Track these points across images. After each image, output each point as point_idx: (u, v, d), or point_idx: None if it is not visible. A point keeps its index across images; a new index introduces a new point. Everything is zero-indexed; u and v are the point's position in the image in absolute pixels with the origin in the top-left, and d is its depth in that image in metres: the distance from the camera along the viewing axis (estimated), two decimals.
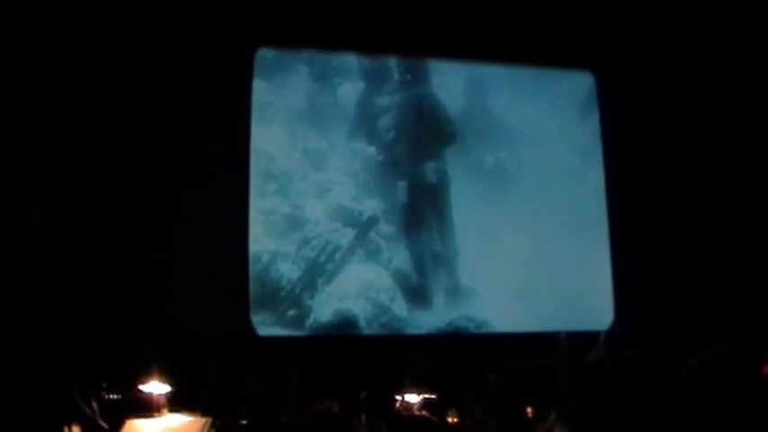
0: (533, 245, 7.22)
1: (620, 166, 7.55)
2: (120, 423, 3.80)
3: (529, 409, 4.86)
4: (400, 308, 6.90)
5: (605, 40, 7.44)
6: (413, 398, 5.06)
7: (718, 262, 7.14)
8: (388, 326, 6.84)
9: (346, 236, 6.90)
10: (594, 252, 7.42)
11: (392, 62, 7.44)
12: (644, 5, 7.32)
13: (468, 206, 7.25)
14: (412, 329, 6.89)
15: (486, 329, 7.02)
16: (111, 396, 4.71)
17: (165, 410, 4.03)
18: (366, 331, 6.77)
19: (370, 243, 6.96)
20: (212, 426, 3.82)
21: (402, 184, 7.19)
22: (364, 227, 6.95)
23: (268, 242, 6.73)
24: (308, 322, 6.70)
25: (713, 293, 6.94)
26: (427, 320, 6.98)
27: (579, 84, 7.70)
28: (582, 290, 7.23)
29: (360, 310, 6.79)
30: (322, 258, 6.80)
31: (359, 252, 6.92)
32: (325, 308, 6.73)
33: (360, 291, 6.83)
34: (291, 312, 6.68)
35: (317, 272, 6.78)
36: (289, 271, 6.71)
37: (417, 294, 6.99)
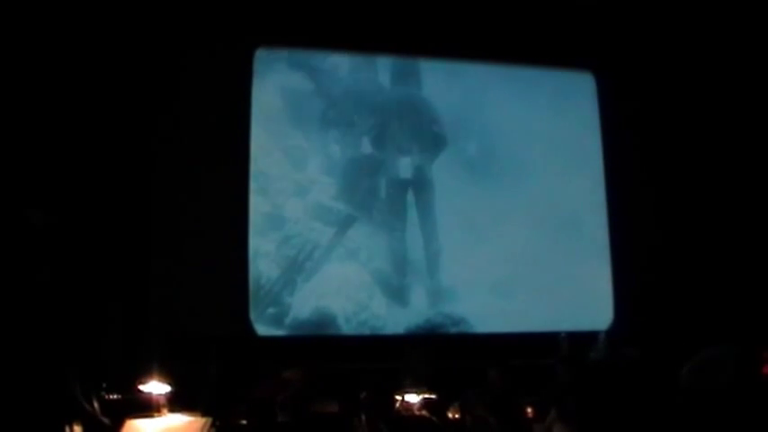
0: (531, 245, 7.23)
1: (619, 166, 7.55)
2: (120, 423, 3.80)
3: (529, 409, 4.87)
4: (379, 305, 6.92)
5: (605, 40, 7.44)
6: (413, 398, 5.06)
7: (718, 261, 7.14)
8: (366, 323, 6.86)
9: (326, 234, 6.92)
10: (594, 252, 7.42)
11: (380, 61, 7.42)
12: (644, 5, 7.31)
13: (458, 205, 7.24)
14: (390, 327, 6.91)
15: (463, 327, 7.01)
16: (111, 396, 4.70)
17: (165, 410, 4.03)
18: (345, 329, 6.79)
19: (350, 241, 6.97)
20: (212, 426, 3.82)
21: (382, 183, 7.20)
22: (343, 225, 6.97)
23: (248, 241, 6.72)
24: (288, 320, 6.72)
25: (713, 293, 6.94)
26: (406, 318, 6.98)
27: (579, 84, 7.70)
28: (581, 290, 7.24)
29: (338, 307, 6.81)
30: (301, 257, 6.82)
31: (338, 250, 6.93)
32: (304, 306, 6.75)
33: (339, 288, 6.85)
34: (271, 310, 6.70)
35: (296, 270, 6.79)
36: (268, 269, 6.73)
37: (396, 292, 7.00)
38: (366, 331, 6.86)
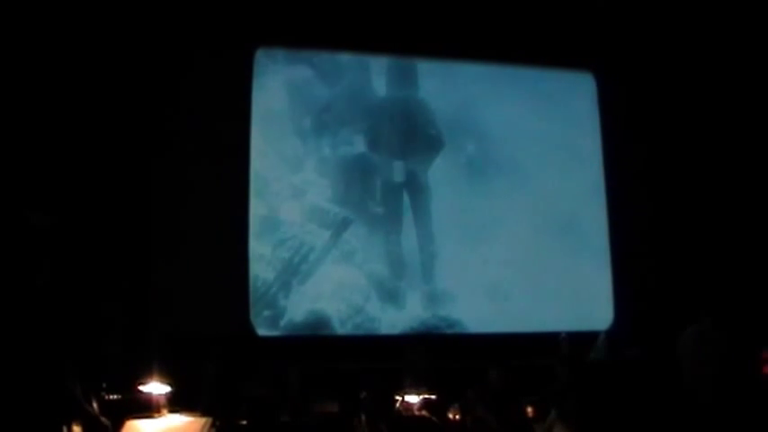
0: (530, 246, 7.23)
1: (619, 166, 7.55)
2: (120, 423, 3.80)
3: (529, 409, 4.88)
4: (374, 308, 6.91)
5: (605, 40, 7.44)
6: (413, 398, 5.06)
7: (719, 261, 7.14)
8: (361, 326, 6.85)
9: (321, 237, 6.90)
10: (594, 252, 7.42)
11: (378, 63, 7.41)
12: (644, 6, 7.32)
13: (456, 207, 7.22)
14: (386, 330, 6.89)
15: (458, 330, 7.00)
16: (111, 396, 4.71)
17: (165, 410, 4.04)
18: (339, 332, 6.77)
19: (345, 244, 6.95)
20: (212, 426, 3.82)
21: (378, 186, 7.18)
22: (339, 228, 6.96)
23: None
24: (283, 322, 6.70)
25: (714, 293, 6.93)
26: (401, 321, 6.96)
27: (579, 84, 7.70)
28: (581, 290, 7.24)
29: (333, 310, 6.79)
30: (297, 259, 6.81)
31: (333, 253, 6.91)
32: (299, 308, 6.74)
33: (334, 291, 6.83)
34: (266, 313, 6.69)
35: (291, 273, 6.78)
36: (264, 272, 6.71)
37: (391, 295, 6.98)
38: (361, 334, 6.85)
